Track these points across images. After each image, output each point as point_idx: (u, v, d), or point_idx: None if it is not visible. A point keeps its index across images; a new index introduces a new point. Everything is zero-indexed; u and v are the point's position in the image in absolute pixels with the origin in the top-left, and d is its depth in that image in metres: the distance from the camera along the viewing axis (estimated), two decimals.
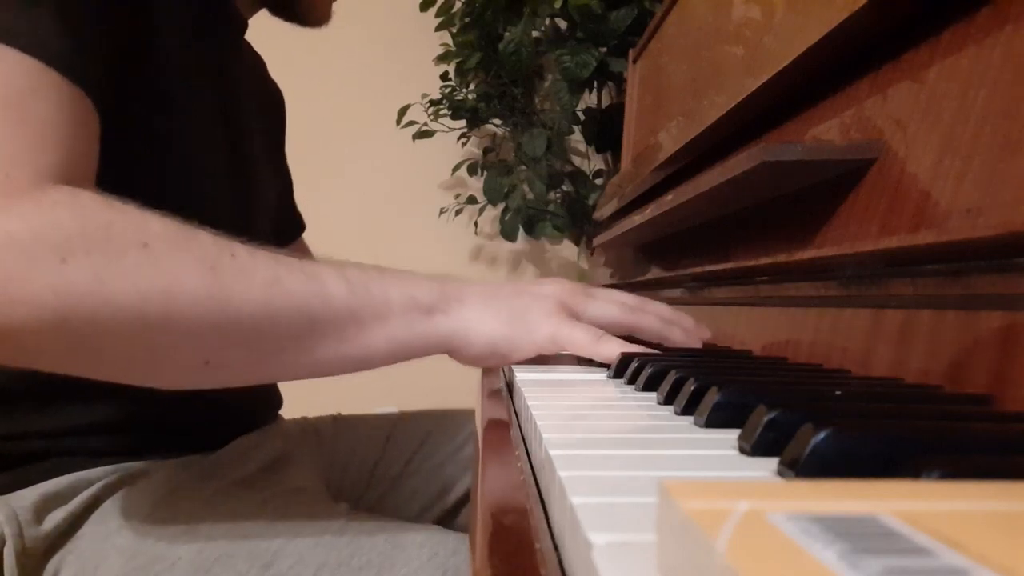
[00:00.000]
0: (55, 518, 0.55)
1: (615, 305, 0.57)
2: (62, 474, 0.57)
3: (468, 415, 0.90)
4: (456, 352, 0.53)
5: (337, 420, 0.89)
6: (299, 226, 0.95)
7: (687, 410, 0.35)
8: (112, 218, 0.42)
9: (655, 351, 0.55)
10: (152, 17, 0.56)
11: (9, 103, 0.43)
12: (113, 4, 0.51)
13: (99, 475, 0.57)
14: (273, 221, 0.81)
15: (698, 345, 0.60)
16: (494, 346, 0.52)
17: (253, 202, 0.72)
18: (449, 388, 1.84)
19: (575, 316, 0.54)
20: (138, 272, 0.41)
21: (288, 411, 0.85)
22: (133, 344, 0.43)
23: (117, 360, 0.44)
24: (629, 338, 0.56)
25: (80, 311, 0.40)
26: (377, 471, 0.83)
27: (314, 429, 0.86)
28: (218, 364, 0.46)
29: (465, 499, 0.83)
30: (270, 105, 0.84)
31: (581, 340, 0.52)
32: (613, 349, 0.51)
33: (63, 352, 0.42)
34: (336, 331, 0.48)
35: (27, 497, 0.55)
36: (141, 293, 0.41)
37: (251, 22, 0.75)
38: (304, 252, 0.97)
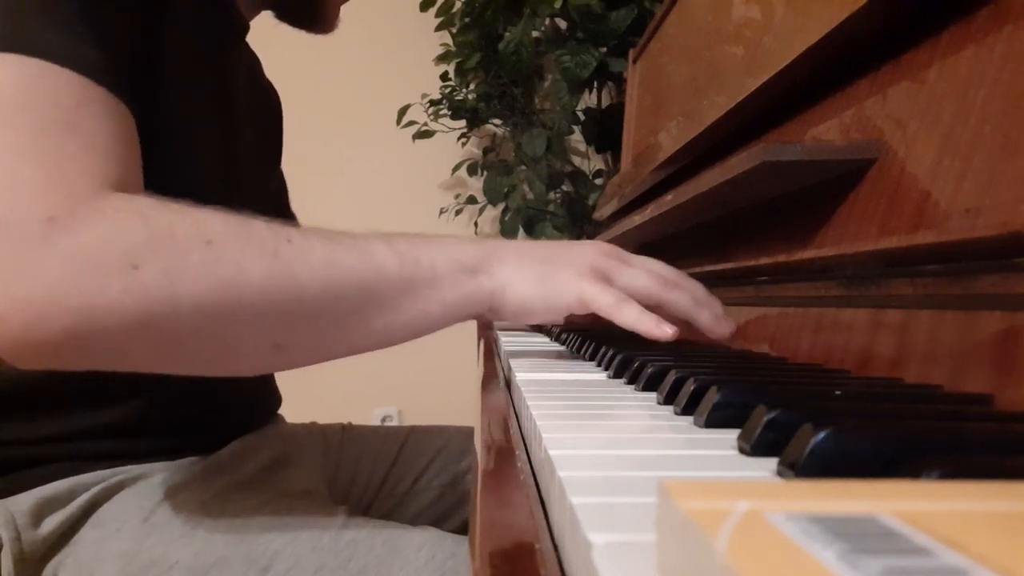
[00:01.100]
0: (52, 522, 0.55)
1: (649, 276, 0.56)
2: (59, 478, 0.57)
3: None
4: (498, 310, 0.54)
5: (347, 429, 0.89)
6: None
7: (687, 410, 0.35)
8: (172, 219, 0.44)
9: (651, 352, 0.55)
10: (163, 21, 0.57)
11: (60, 119, 0.45)
12: (130, 12, 0.52)
13: (96, 479, 0.57)
14: (268, 218, 0.81)
15: (725, 333, 0.59)
16: (528, 304, 0.54)
17: (248, 203, 0.72)
18: (448, 389, 1.85)
19: (607, 280, 0.55)
20: (205, 268, 0.44)
21: (291, 413, 0.85)
22: (209, 335, 0.45)
23: (196, 352, 0.46)
24: (659, 313, 0.55)
25: (157, 312, 0.42)
26: (386, 485, 0.83)
27: (321, 435, 0.86)
28: (288, 345, 0.48)
29: None
30: (267, 106, 0.84)
31: (604, 301, 0.53)
32: (632, 315, 0.52)
33: (146, 352, 0.45)
34: (393, 301, 0.50)
35: (24, 501, 0.55)
36: (211, 287, 0.44)
37: (252, 23, 0.74)
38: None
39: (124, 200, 0.44)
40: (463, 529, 0.82)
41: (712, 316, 0.58)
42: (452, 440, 0.88)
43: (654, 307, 0.55)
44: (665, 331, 0.53)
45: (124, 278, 0.41)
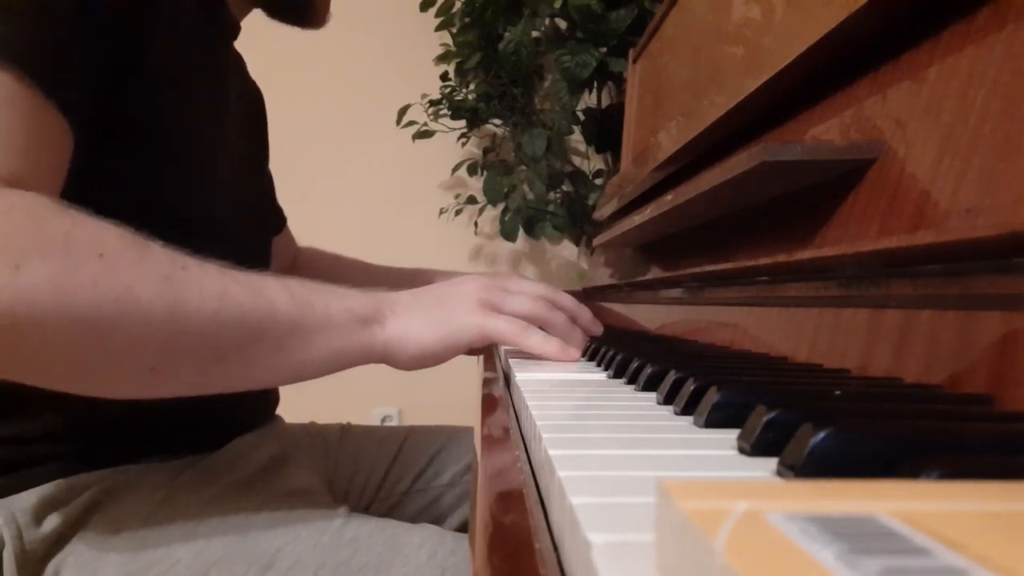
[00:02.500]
0: (54, 521, 0.55)
1: (530, 299, 0.60)
2: (61, 477, 0.57)
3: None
4: (392, 360, 0.55)
5: (345, 429, 0.89)
6: (280, 221, 0.96)
7: (687, 410, 0.36)
8: (69, 227, 0.43)
9: (645, 346, 0.55)
10: (152, 21, 0.56)
11: None
12: (110, 11, 0.52)
13: (98, 478, 0.57)
14: (258, 216, 0.82)
15: (597, 332, 0.65)
16: (428, 347, 0.55)
17: (241, 203, 0.73)
18: (448, 389, 1.85)
19: (496, 309, 0.58)
20: (94, 282, 0.42)
21: (291, 413, 0.85)
22: (82, 352, 0.43)
23: (64, 368, 0.44)
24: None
25: (32, 318, 0.40)
26: (385, 485, 0.83)
27: (320, 435, 0.86)
28: (163, 371, 0.47)
29: None
30: (253, 104, 0.84)
31: (507, 332, 0.56)
32: (536, 339, 0.56)
33: (9, 358, 0.42)
34: (279, 342, 0.50)
35: (26, 500, 0.55)
36: (95, 302, 0.42)
37: (248, 24, 0.75)
38: (291, 245, 0.98)
39: (20, 196, 0.42)
40: (463, 529, 0.82)
41: (581, 337, 0.62)
42: (451, 440, 0.88)
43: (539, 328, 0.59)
44: (570, 354, 0.58)
45: (2, 276, 0.39)
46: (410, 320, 0.55)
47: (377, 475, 0.84)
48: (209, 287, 0.47)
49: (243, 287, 0.49)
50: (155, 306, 0.44)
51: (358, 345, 0.53)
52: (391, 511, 0.82)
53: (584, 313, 0.64)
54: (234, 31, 0.72)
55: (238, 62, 0.80)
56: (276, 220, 0.95)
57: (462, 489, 0.84)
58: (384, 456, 0.85)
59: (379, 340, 0.54)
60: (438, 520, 0.83)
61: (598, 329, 0.66)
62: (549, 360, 0.58)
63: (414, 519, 0.82)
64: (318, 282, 0.54)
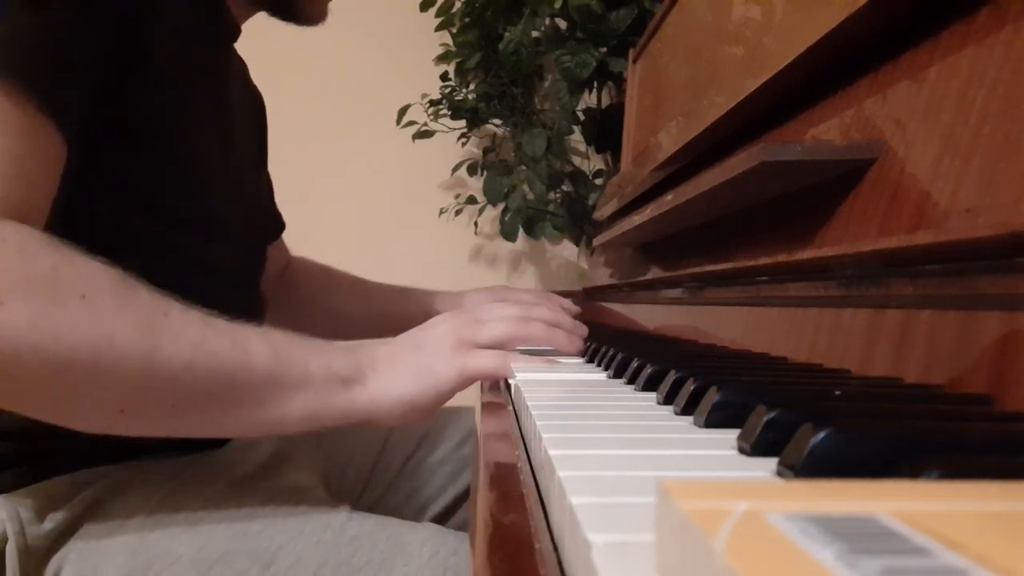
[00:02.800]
0: (57, 517, 0.55)
1: (503, 323, 0.59)
2: (64, 474, 0.57)
3: (466, 413, 0.90)
4: (376, 419, 0.54)
5: None
6: (280, 226, 0.96)
7: (687, 410, 0.36)
8: (57, 264, 0.43)
9: (646, 346, 0.55)
10: (151, 24, 0.57)
11: None
12: (111, 16, 0.51)
13: (100, 474, 0.58)
14: (257, 222, 0.82)
15: (580, 346, 0.63)
16: (411, 404, 0.54)
17: (241, 204, 0.73)
18: None
19: (474, 344, 0.57)
20: (73, 323, 0.42)
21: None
22: (53, 388, 0.43)
23: (39, 401, 0.45)
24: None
25: (10, 354, 0.41)
26: (376, 470, 0.84)
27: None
28: (133, 413, 0.47)
29: (464, 496, 0.84)
30: (253, 109, 0.84)
31: (487, 366, 0.55)
32: (520, 365, 0.55)
33: None
34: (254, 396, 0.50)
35: (29, 496, 0.55)
36: (72, 343, 0.42)
37: (248, 24, 0.75)
38: (283, 253, 0.98)
39: (11, 229, 0.43)
40: (456, 505, 0.83)
41: (565, 335, 0.62)
42: (440, 419, 0.88)
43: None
44: (557, 359, 0.60)
45: None
46: (391, 377, 0.54)
47: (368, 462, 0.84)
48: (187, 336, 0.47)
49: (223, 338, 0.48)
50: (130, 351, 0.44)
51: (337, 407, 0.52)
52: (384, 495, 0.82)
53: (564, 320, 0.64)
54: (234, 33, 0.73)
55: (240, 66, 0.80)
56: (275, 225, 0.95)
57: (453, 467, 0.84)
58: (375, 440, 0.85)
59: (360, 402, 0.53)
60: (432, 498, 0.83)
61: (582, 331, 0.65)
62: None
63: (408, 498, 0.82)
64: (300, 336, 0.53)
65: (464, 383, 0.56)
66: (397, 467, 0.84)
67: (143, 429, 0.49)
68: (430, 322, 0.59)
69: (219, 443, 0.66)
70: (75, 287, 0.43)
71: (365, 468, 0.83)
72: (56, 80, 0.48)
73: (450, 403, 0.96)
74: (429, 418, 0.86)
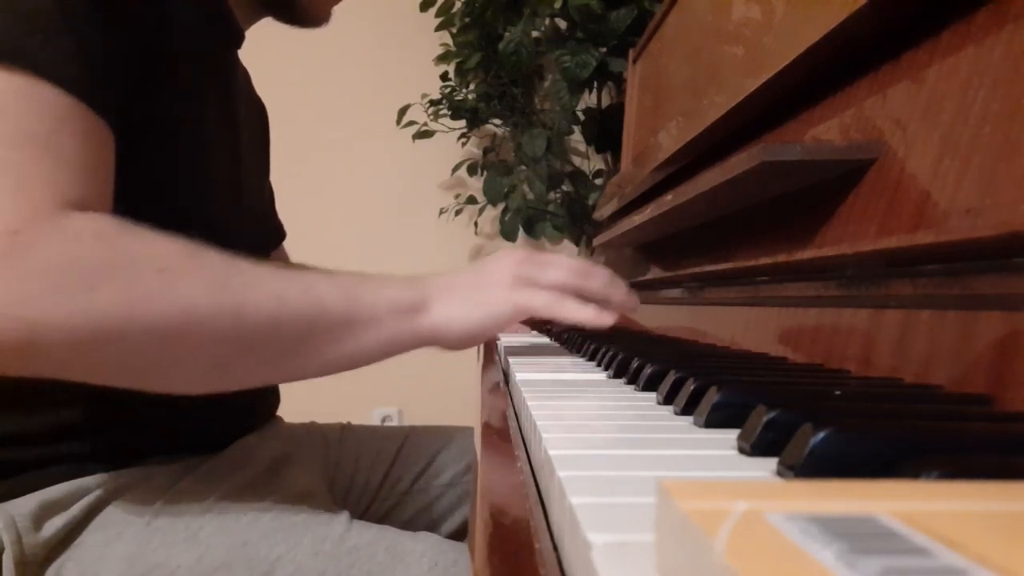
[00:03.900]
0: (54, 525, 0.55)
1: (564, 270, 0.61)
2: (62, 480, 0.56)
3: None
4: (440, 342, 0.58)
5: (345, 429, 0.89)
6: (281, 234, 0.96)
7: (687, 410, 0.35)
8: (131, 245, 0.46)
9: (646, 346, 0.55)
10: (167, 31, 0.57)
11: (35, 134, 0.46)
12: (131, 25, 0.53)
13: (98, 482, 0.57)
14: (260, 230, 0.82)
15: (633, 306, 0.66)
16: (470, 330, 0.57)
17: (244, 212, 0.73)
18: (448, 389, 1.85)
19: (533, 283, 0.59)
20: (159, 294, 0.46)
21: (291, 413, 0.85)
22: (153, 357, 0.47)
23: (138, 370, 0.48)
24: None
25: (107, 332, 0.44)
26: (386, 485, 0.83)
27: (321, 434, 0.86)
28: (226, 369, 0.50)
29: None
30: (257, 117, 0.85)
31: (540, 303, 0.58)
32: (571, 307, 0.58)
33: (89, 366, 0.46)
34: (332, 336, 0.52)
35: (26, 504, 0.55)
36: (162, 313, 0.45)
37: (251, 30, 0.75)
38: (285, 260, 0.98)
39: (87, 220, 0.46)
40: (463, 529, 0.82)
41: (622, 294, 0.64)
42: (451, 440, 0.88)
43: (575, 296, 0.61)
44: (605, 320, 0.59)
45: (80, 298, 0.43)
46: (451, 304, 0.57)
47: (377, 475, 0.83)
48: (265, 290, 0.50)
49: (296, 287, 0.51)
50: (216, 312, 0.47)
51: (407, 333, 0.56)
52: (391, 511, 0.82)
53: (619, 286, 0.65)
54: (238, 39, 0.73)
55: (243, 74, 0.80)
56: (276, 233, 0.95)
57: (462, 489, 0.84)
58: (384, 456, 0.85)
59: (425, 326, 0.56)
60: (438, 520, 0.83)
61: (633, 303, 0.66)
62: (585, 325, 0.59)
63: (413, 519, 0.82)
64: (363, 274, 0.57)
65: (517, 316, 0.58)
66: (407, 484, 0.84)
67: (236, 382, 0.52)
68: (494, 256, 0.62)
69: (220, 446, 0.66)
70: (153, 262, 0.46)
71: (374, 479, 0.83)
72: (102, 82, 0.50)
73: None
74: (440, 440, 0.87)
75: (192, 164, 0.62)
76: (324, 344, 0.52)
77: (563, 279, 0.60)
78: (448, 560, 0.56)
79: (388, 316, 0.54)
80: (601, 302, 0.62)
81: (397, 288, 0.56)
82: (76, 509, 0.56)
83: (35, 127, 0.46)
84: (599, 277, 0.63)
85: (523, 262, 0.60)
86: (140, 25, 0.54)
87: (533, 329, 0.90)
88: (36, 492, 0.56)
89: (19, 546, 0.53)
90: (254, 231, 0.75)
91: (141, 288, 0.45)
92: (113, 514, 0.56)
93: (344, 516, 0.60)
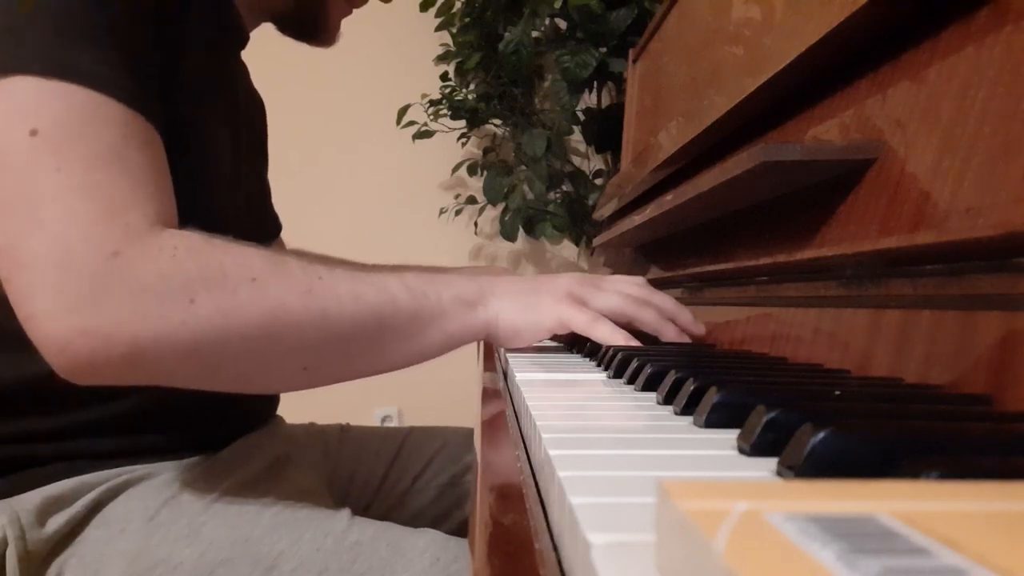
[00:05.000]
0: (57, 521, 0.55)
1: (620, 297, 0.63)
2: (65, 477, 0.57)
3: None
4: (492, 337, 0.61)
5: (345, 430, 0.89)
6: (277, 226, 0.96)
7: (686, 410, 0.35)
8: (221, 257, 0.49)
9: (646, 346, 0.55)
10: (180, 39, 0.58)
11: (108, 152, 0.47)
12: (157, 30, 0.54)
13: (101, 479, 0.57)
14: (259, 222, 0.82)
15: (688, 339, 0.66)
16: (517, 330, 0.61)
17: (243, 207, 0.73)
18: (448, 389, 1.85)
19: (583, 303, 0.62)
20: (251, 303, 0.49)
21: (292, 414, 0.85)
22: (250, 361, 0.50)
23: (236, 375, 0.51)
24: (631, 329, 0.62)
25: (208, 341, 0.47)
26: (385, 485, 0.83)
27: (321, 435, 0.86)
28: (314, 368, 0.53)
29: None
30: (256, 112, 0.85)
31: (579, 320, 0.61)
32: (605, 330, 0.60)
33: (193, 374, 0.49)
34: (404, 332, 0.56)
35: (30, 500, 0.55)
36: (256, 320, 0.49)
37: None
38: (282, 250, 0.98)
39: (178, 236, 0.49)
40: (462, 529, 0.82)
41: (675, 330, 0.65)
42: (451, 440, 0.88)
43: (626, 324, 0.63)
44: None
45: (182, 310, 0.46)
46: (507, 303, 0.61)
47: (377, 475, 0.84)
48: (343, 291, 0.53)
49: (370, 287, 0.54)
50: (304, 316, 0.50)
51: (468, 327, 0.59)
52: (390, 511, 0.82)
53: (684, 314, 0.66)
54: (243, 41, 0.73)
55: (244, 71, 0.81)
56: (273, 225, 0.95)
57: (462, 490, 0.84)
58: (384, 456, 0.85)
59: (481, 320, 0.60)
60: (438, 519, 0.83)
61: (699, 330, 0.67)
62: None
63: (413, 519, 0.82)
64: (428, 271, 0.61)
65: (558, 328, 0.61)
66: (406, 484, 0.84)
67: (323, 380, 0.55)
68: (557, 275, 0.66)
69: (221, 445, 0.66)
70: (243, 273, 0.49)
71: (373, 480, 0.83)
72: (148, 90, 0.52)
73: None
74: (439, 440, 0.87)
75: (196, 161, 0.62)
76: (399, 338, 0.56)
77: (615, 307, 0.62)
78: (450, 556, 0.56)
79: (451, 310, 0.58)
80: (656, 327, 0.64)
81: (460, 283, 0.60)
82: (79, 506, 0.56)
83: (107, 145, 0.47)
84: (658, 307, 0.64)
85: (583, 283, 0.63)
86: (163, 29, 0.55)
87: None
88: (40, 488, 0.56)
89: (23, 542, 0.54)
90: (252, 223, 0.76)
91: (236, 298, 0.48)
92: (115, 511, 0.56)
93: (346, 512, 0.60)
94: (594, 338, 0.60)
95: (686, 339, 0.65)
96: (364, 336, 0.54)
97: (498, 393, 0.52)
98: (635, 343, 0.60)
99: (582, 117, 1.83)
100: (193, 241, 0.49)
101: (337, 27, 0.76)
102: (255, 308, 0.49)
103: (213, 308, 0.47)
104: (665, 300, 0.66)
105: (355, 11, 0.77)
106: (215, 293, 0.47)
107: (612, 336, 0.59)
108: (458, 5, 1.88)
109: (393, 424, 2.05)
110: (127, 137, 0.48)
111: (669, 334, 0.64)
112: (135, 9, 0.52)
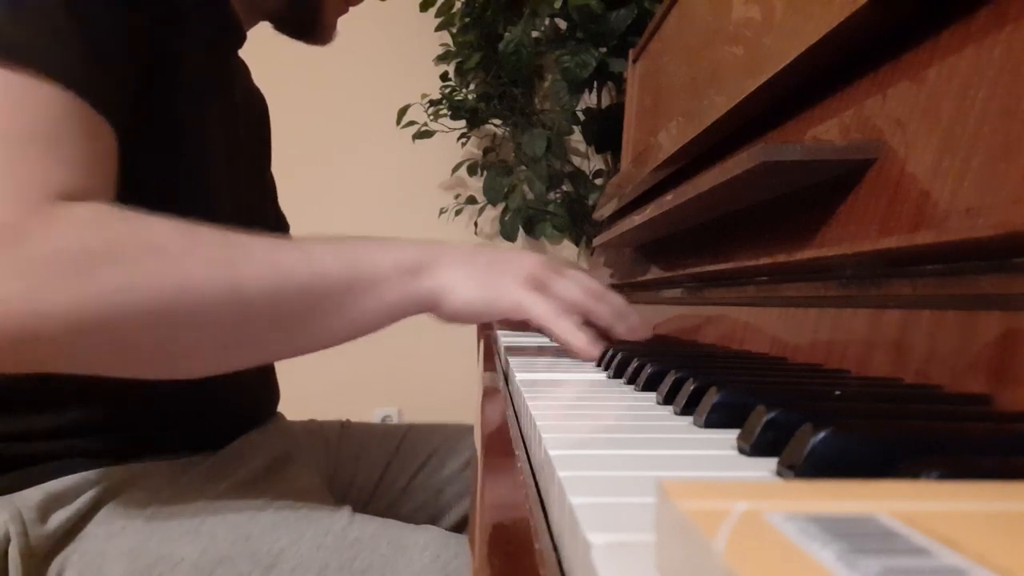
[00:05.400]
0: (59, 518, 0.55)
1: (580, 288, 0.60)
2: (67, 474, 0.57)
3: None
4: (437, 308, 0.55)
5: (345, 427, 0.89)
6: (284, 227, 0.96)
7: (686, 410, 0.35)
8: (126, 228, 0.46)
9: (646, 346, 0.55)
10: (174, 33, 0.58)
11: (36, 133, 0.46)
12: (143, 25, 0.53)
13: (103, 475, 0.58)
14: (262, 222, 0.82)
15: (642, 337, 0.64)
16: (470, 305, 0.55)
17: (243, 207, 0.73)
18: (448, 389, 1.85)
19: (544, 289, 0.57)
20: (158, 275, 0.45)
21: (291, 411, 0.85)
22: (159, 341, 0.47)
23: (146, 356, 0.48)
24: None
25: (111, 317, 0.44)
26: (383, 482, 0.84)
27: (321, 432, 0.86)
28: (235, 346, 0.50)
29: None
30: (256, 110, 0.85)
31: (543, 312, 0.56)
32: (569, 327, 0.56)
33: (95, 356, 0.46)
34: (335, 303, 0.51)
35: (32, 497, 0.55)
36: (163, 294, 0.45)
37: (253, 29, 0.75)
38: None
39: (82, 208, 0.45)
40: (461, 525, 0.82)
41: (627, 328, 0.62)
42: (450, 437, 0.88)
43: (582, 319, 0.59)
44: (592, 352, 0.57)
45: (79, 284, 0.43)
46: (460, 274, 0.55)
47: (376, 472, 0.84)
48: (262, 262, 0.49)
49: (293, 257, 0.50)
50: (216, 289, 0.47)
51: (410, 294, 0.54)
52: (390, 508, 0.82)
53: (633, 316, 0.64)
54: (241, 39, 0.73)
55: (243, 69, 0.81)
56: (278, 226, 0.95)
57: (461, 486, 0.84)
58: (383, 453, 0.85)
59: (426, 288, 0.54)
60: (437, 516, 0.83)
61: (645, 334, 0.65)
62: (573, 353, 0.57)
63: (413, 515, 0.82)
64: (366, 237, 0.55)
65: (515, 313, 0.56)
66: (405, 481, 0.84)
67: (248, 360, 0.52)
68: (516, 251, 0.61)
69: (222, 442, 0.66)
70: (150, 244, 0.46)
71: (373, 476, 0.83)
72: (110, 82, 0.50)
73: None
74: (438, 437, 0.87)
75: (192, 160, 0.62)
76: (327, 312, 0.51)
77: (575, 296, 0.59)
78: (450, 553, 0.56)
79: (391, 277, 0.53)
80: (609, 322, 0.61)
81: (401, 249, 0.55)
82: (81, 502, 0.56)
83: (33, 125, 0.46)
84: (611, 304, 0.62)
85: (544, 266, 0.59)
86: (151, 25, 0.55)
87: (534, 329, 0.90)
88: (42, 485, 0.56)
89: (25, 538, 0.54)
90: (250, 223, 0.76)
91: (138, 270, 0.45)
92: (117, 508, 0.57)
93: (346, 510, 0.60)
94: (554, 333, 0.56)
95: (643, 332, 0.64)
96: (288, 310, 0.50)
97: (498, 393, 0.52)
98: (596, 350, 0.57)
99: (582, 117, 1.83)
100: (99, 213, 0.46)
101: (334, 25, 0.76)
102: (161, 282, 0.45)
103: (114, 281, 0.44)
104: (617, 298, 0.64)
105: (354, 11, 0.77)
106: (117, 266, 0.44)
107: (573, 335, 0.56)
108: (458, 5, 1.88)
109: (393, 423, 2.05)
110: (61, 120, 0.47)
111: (621, 331, 0.62)
112: (117, 6, 0.51)
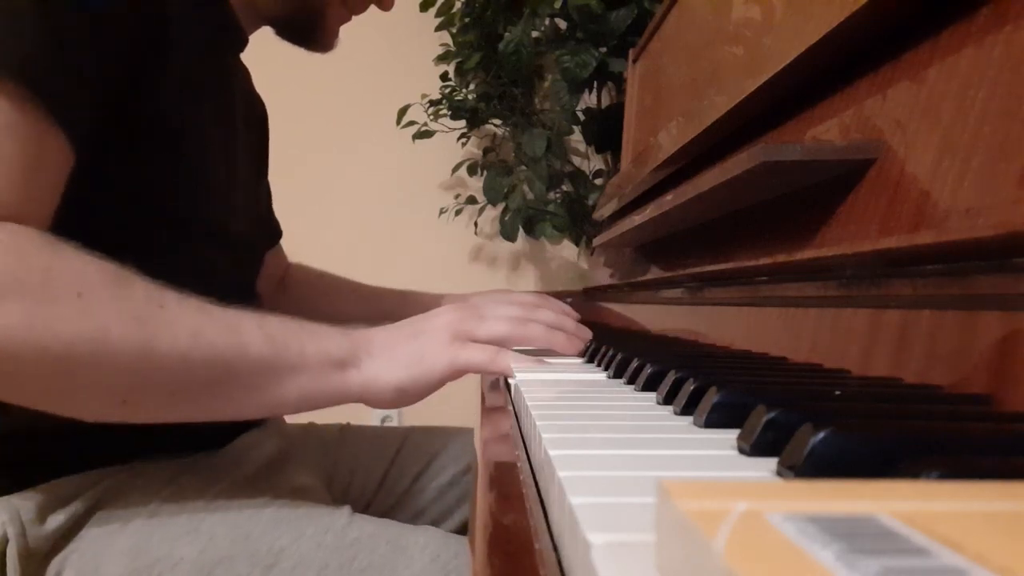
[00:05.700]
0: (58, 519, 0.55)
1: (503, 322, 0.59)
2: (66, 475, 0.57)
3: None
4: (369, 401, 0.56)
5: (344, 429, 0.89)
6: (277, 234, 0.96)
7: (686, 410, 0.36)
8: (51, 263, 0.44)
9: (645, 346, 0.55)
10: (167, 34, 0.57)
11: None
12: (125, 24, 0.52)
13: (102, 476, 0.58)
14: (255, 230, 0.82)
15: (580, 348, 0.63)
16: (402, 390, 0.55)
17: (240, 212, 0.73)
18: (448, 390, 1.84)
19: (471, 338, 0.57)
20: (69, 320, 0.43)
21: (292, 415, 0.85)
22: (53, 382, 0.45)
23: (35, 393, 0.46)
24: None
25: (6, 349, 0.42)
26: (384, 485, 0.83)
27: (319, 434, 0.86)
28: (134, 404, 0.48)
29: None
30: (255, 116, 0.85)
31: (478, 360, 0.56)
32: (507, 362, 0.55)
33: None
34: (251, 382, 0.51)
35: (30, 497, 0.55)
36: (69, 340, 0.43)
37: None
38: (282, 260, 0.98)
39: (7, 233, 0.44)
40: (462, 529, 0.82)
41: (565, 338, 0.62)
42: (451, 441, 0.88)
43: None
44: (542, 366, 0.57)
45: None
46: (384, 362, 0.55)
47: (376, 475, 0.84)
48: (183, 326, 0.47)
49: (218, 326, 0.49)
50: (127, 345, 0.45)
51: (332, 389, 0.54)
52: (390, 511, 0.82)
53: (567, 321, 0.64)
54: (242, 43, 0.73)
55: (243, 73, 0.81)
56: (272, 232, 0.95)
57: (461, 490, 0.84)
58: (383, 456, 0.85)
59: (354, 383, 0.54)
60: (437, 520, 0.83)
61: (586, 334, 0.65)
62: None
63: (413, 519, 0.82)
64: (297, 321, 0.54)
65: (454, 374, 0.56)
66: (406, 484, 0.84)
67: (144, 417, 0.50)
68: (432, 312, 0.60)
69: (221, 443, 0.66)
70: (70, 284, 0.44)
71: (373, 479, 0.83)
72: (65, 85, 0.48)
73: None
74: (439, 441, 0.86)
75: (188, 166, 0.62)
76: (244, 387, 0.50)
77: (502, 332, 0.58)
78: (449, 553, 0.57)
79: (314, 367, 0.52)
80: (545, 342, 0.61)
81: (329, 339, 0.54)
82: (79, 503, 0.56)
83: None
84: (539, 322, 0.61)
85: (462, 318, 0.58)
86: (139, 34, 0.54)
87: None
88: (40, 486, 0.56)
89: (23, 539, 0.54)
90: (247, 230, 0.76)
91: (50, 310, 0.43)
92: (116, 508, 0.57)
93: (346, 509, 0.60)
94: (499, 373, 0.56)
95: (579, 345, 0.63)
96: (199, 380, 0.49)
97: (498, 393, 0.52)
98: (543, 363, 0.58)
99: (582, 117, 1.83)
100: (22, 240, 0.44)
101: (335, 33, 0.76)
102: (70, 326, 0.43)
103: (18, 316, 0.41)
104: (545, 312, 0.63)
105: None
106: (28, 301, 0.42)
107: (517, 365, 0.56)
108: (458, 5, 1.88)
109: (393, 424, 2.05)
110: (8, 128, 0.45)
111: (559, 344, 0.61)
112: (99, 15, 0.50)
